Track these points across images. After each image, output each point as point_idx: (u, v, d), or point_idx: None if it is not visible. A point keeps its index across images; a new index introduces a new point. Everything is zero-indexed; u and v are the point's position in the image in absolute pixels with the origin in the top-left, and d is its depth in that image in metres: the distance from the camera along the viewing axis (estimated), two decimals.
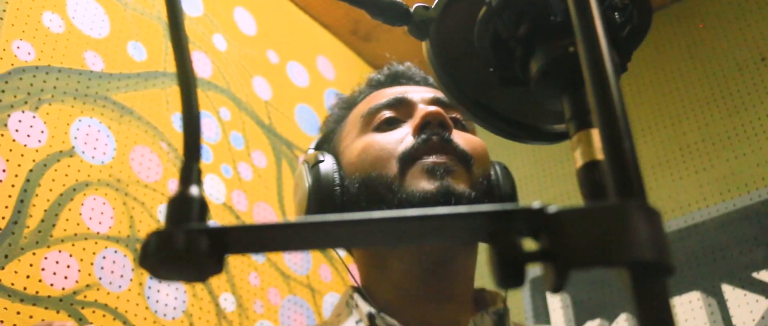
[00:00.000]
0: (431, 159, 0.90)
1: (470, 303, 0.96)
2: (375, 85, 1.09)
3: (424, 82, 1.09)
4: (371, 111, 1.00)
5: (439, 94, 1.02)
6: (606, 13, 0.54)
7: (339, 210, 0.93)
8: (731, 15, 2.57)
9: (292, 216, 2.13)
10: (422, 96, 1.01)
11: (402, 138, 0.94)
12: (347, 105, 1.10)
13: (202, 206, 0.38)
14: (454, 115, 0.99)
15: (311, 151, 1.02)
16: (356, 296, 0.93)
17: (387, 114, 0.99)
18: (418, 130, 0.93)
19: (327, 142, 1.07)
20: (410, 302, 0.91)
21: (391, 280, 0.93)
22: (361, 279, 0.98)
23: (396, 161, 0.91)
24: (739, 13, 2.56)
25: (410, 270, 0.92)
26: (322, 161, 0.97)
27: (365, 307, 0.90)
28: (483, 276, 0.90)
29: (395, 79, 1.09)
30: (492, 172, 0.96)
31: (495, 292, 0.98)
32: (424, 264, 0.91)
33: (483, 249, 0.98)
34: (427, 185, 0.88)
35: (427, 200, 0.86)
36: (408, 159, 0.91)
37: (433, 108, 0.95)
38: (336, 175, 0.95)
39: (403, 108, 1.00)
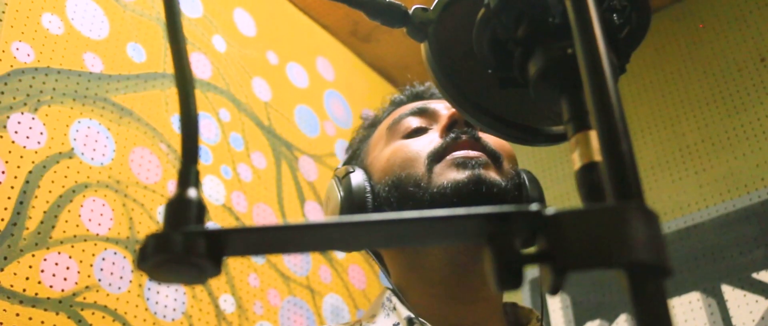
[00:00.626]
0: (462, 153, 0.91)
1: (501, 308, 0.97)
2: (398, 103, 1.11)
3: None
4: (396, 120, 1.02)
5: None
6: (604, 14, 0.54)
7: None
8: (731, 16, 2.57)
9: (292, 217, 2.13)
10: (445, 105, 1.03)
11: (430, 141, 0.96)
12: (371, 124, 1.12)
13: (200, 208, 0.38)
14: None
15: (340, 168, 1.03)
16: (394, 298, 0.94)
17: (413, 123, 1.00)
18: (446, 130, 0.95)
19: (354, 160, 1.09)
20: (443, 303, 0.92)
21: (424, 281, 0.94)
22: (395, 279, 0.99)
23: (424, 159, 0.92)
24: (739, 14, 2.56)
25: (443, 271, 0.93)
26: (353, 172, 0.98)
27: (404, 311, 0.90)
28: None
29: (417, 96, 1.11)
30: (521, 174, 0.97)
31: (528, 309, 0.99)
32: (457, 264, 0.92)
33: None
34: (457, 175, 0.88)
35: (459, 190, 0.87)
36: (437, 156, 0.92)
37: None
38: (366, 184, 0.96)
39: (427, 116, 1.01)
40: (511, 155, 0.97)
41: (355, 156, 1.09)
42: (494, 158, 0.93)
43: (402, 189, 0.91)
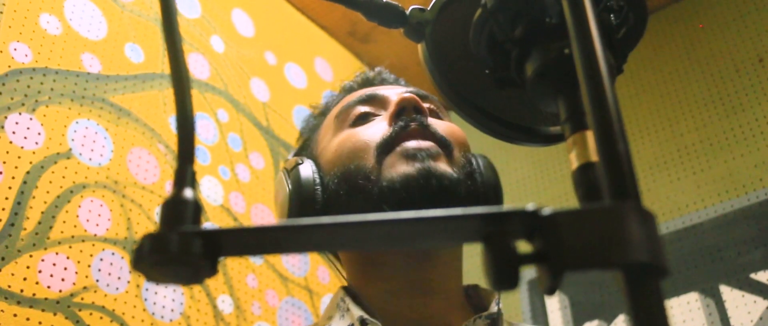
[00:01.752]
0: (411, 143, 0.88)
1: (460, 297, 0.94)
2: (347, 90, 1.08)
3: (397, 83, 1.08)
4: (344, 108, 0.99)
5: (412, 88, 1.01)
6: (601, 15, 0.54)
7: (321, 209, 0.91)
8: (729, 16, 2.58)
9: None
10: (395, 90, 1.00)
11: (378, 129, 0.93)
12: (321, 113, 1.09)
13: (196, 208, 0.38)
14: (428, 105, 0.98)
15: (290, 159, 1.00)
16: (347, 298, 0.92)
17: (360, 109, 0.97)
18: (394, 118, 0.92)
19: (304, 150, 1.06)
20: (399, 298, 0.90)
21: (379, 276, 0.92)
22: (351, 277, 0.97)
23: (373, 150, 0.89)
24: (737, 15, 2.56)
25: (397, 264, 0.90)
26: (301, 164, 0.95)
27: (357, 311, 0.88)
28: (475, 275, 0.90)
29: (367, 82, 1.08)
30: (473, 161, 0.94)
31: (489, 291, 0.97)
32: (410, 256, 0.90)
33: (468, 251, 0.98)
34: (407, 168, 0.86)
35: (408, 184, 0.84)
36: (386, 147, 0.89)
37: (407, 94, 0.93)
38: (315, 175, 0.93)
39: (376, 103, 0.98)
40: (462, 141, 0.94)
41: (305, 146, 1.06)
42: (444, 146, 0.90)
43: (351, 182, 0.89)
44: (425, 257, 0.91)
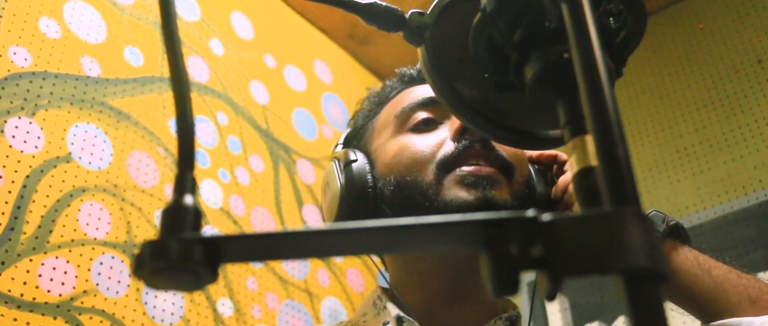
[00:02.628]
0: (473, 168, 0.87)
1: (492, 306, 0.96)
2: (407, 81, 1.04)
3: None
4: (405, 110, 0.96)
5: None
6: (600, 18, 0.54)
7: (371, 212, 0.90)
8: (728, 17, 2.58)
9: (290, 220, 2.13)
10: None
11: (441, 142, 0.91)
12: (379, 100, 1.06)
13: (196, 215, 0.38)
14: None
15: (340, 148, 0.99)
16: (384, 297, 0.93)
17: (423, 115, 0.95)
18: (458, 135, 0.90)
19: (356, 139, 1.03)
20: (436, 305, 0.91)
21: (420, 283, 0.93)
22: (392, 279, 0.97)
23: (434, 167, 0.88)
24: (736, 16, 2.56)
25: (439, 275, 0.92)
26: (355, 160, 0.94)
27: (394, 310, 0.89)
28: None
29: None
30: (531, 179, 0.94)
31: (507, 300, 0.98)
32: (452, 270, 0.91)
33: None
34: (466, 195, 0.85)
35: (467, 210, 0.84)
36: (447, 165, 0.88)
37: None
38: (369, 176, 0.92)
39: (439, 108, 0.95)
40: (522, 161, 0.93)
41: (358, 136, 1.03)
42: (506, 169, 0.89)
43: (407, 194, 0.88)
44: (467, 270, 0.92)
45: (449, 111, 0.65)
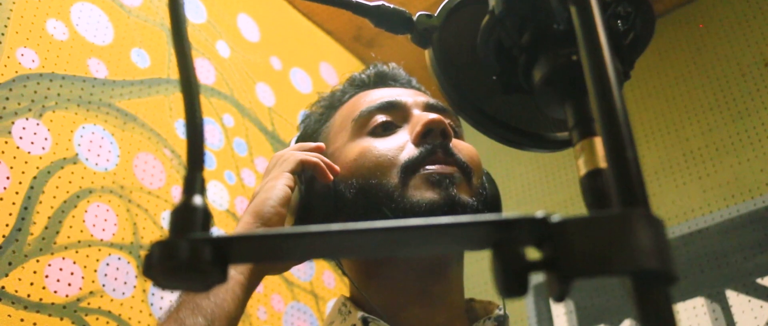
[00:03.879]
0: (436, 168, 0.88)
1: (463, 309, 0.95)
2: (359, 85, 1.06)
3: (409, 84, 1.07)
4: (363, 113, 0.97)
5: (430, 99, 1.01)
6: (609, 21, 0.54)
7: (331, 215, 0.91)
8: (734, 20, 2.57)
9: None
10: (415, 99, 0.99)
11: (402, 145, 0.92)
12: (330, 105, 1.07)
13: (205, 215, 0.38)
14: (449, 121, 0.97)
15: None
16: (349, 303, 0.93)
17: (381, 118, 0.96)
18: (420, 138, 0.91)
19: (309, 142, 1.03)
20: (403, 307, 0.91)
21: (386, 285, 0.92)
22: (354, 287, 0.96)
23: (398, 170, 0.89)
24: (743, 18, 2.56)
25: (405, 276, 0.91)
26: None
27: (358, 312, 0.89)
28: (476, 285, 0.90)
29: (381, 79, 1.07)
30: (484, 182, 0.96)
31: (486, 301, 0.98)
32: (419, 269, 0.91)
33: (470, 257, 0.98)
34: (432, 194, 0.86)
35: (433, 209, 0.85)
36: (411, 168, 0.89)
37: (434, 116, 0.93)
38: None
39: (397, 112, 0.97)
40: (478, 164, 0.95)
41: (312, 140, 1.03)
42: (466, 172, 0.91)
43: (371, 197, 0.89)
44: (433, 270, 0.92)
45: (456, 112, 0.65)
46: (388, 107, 0.97)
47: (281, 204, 0.85)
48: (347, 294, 0.98)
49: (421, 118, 0.94)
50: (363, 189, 0.90)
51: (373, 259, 0.93)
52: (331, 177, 0.91)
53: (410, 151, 0.91)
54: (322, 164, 0.90)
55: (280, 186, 0.87)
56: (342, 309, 0.94)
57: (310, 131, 1.07)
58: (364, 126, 0.97)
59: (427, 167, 0.89)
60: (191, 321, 0.75)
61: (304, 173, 0.92)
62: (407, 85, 1.07)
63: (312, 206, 0.90)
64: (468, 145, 0.98)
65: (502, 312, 0.93)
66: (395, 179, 0.89)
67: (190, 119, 0.39)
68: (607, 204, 0.40)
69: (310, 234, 0.36)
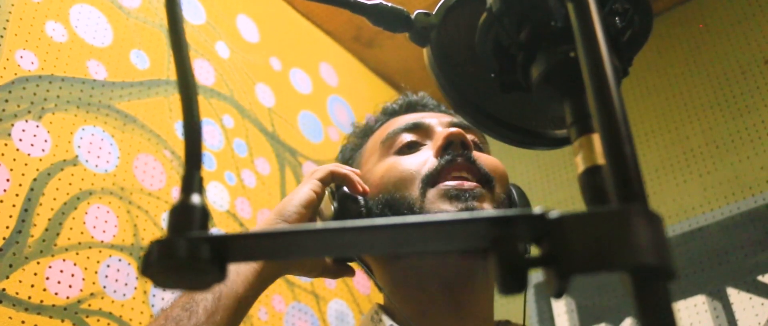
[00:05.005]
0: (456, 183, 0.91)
1: (492, 322, 0.97)
2: (390, 114, 1.11)
3: (438, 109, 1.11)
4: (390, 135, 1.02)
5: (456, 118, 1.03)
6: (606, 18, 0.54)
7: None
8: (734, 18, 2.57)
9: None
10: (439, 119, 1.03)
11: (424, 160, 0.95)
12: (363, 133, 1.12)
13: (203, 214, 0.38)
14: (471, 137, 0.99)
15: None
16: (381, 313, 0.95)
17: (407, 138, 1.00)
18: (441, 151, 0.94)
19: None
20: (431, 316, 0.92)
21: (414, 295, 0.94)
22: (387, 296, 0.99)
23: (419, 182, 0.92)
24: (742, 16, 2.55)
25: (431, 284, 0.93)
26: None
27: (388, 321, 0.91)
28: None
29: (410, 106, 1.11)
30: (511, 194, 0.98)
31: (508, 320, 1.00)
32: (444, 281, 0.93)
33: None
34: (449, 207, 0.88)
35: None
36: (431, 180, 0.92)
37: (454, 129, 0.96)
38: (360, 198, 0.95)
39: (421, 131, 1.01)
40: (503, 175, 0.97)
41: (348, 165, 1.08)
42: (487, 182, 0.93)
43: (395, 210, 0.92)
44: (459, 281, 0.93)
45: (455, 111, 0.65)
46: (414, 128, 1.02)
47: (303, 206, 0.90)
48: (381, 302, 1.01)
49: (442, 132, 0.98)
50: (388, 204, 0.93)
51: (403, 269, 0.96)
52: (362, 187, 0.95)
53: (431, 164, 0.94)
54: (352, 175, 0.95)
55: (306, 189, 0.92)
56: (374, 318, 0.97)
57: (345, 159, 1.13)
58: (391, 147, 1.01)
59: (447, 182, 0.91)
60: (201, 296, 0.80)
61: (338, 191, 0.97)
62: (436, 109, 1.11)
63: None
64: (492, 157, 1.00)
65: None
66: (416, 192, 0.92)
67: (187, 118, 0.39)
68: (605, 200, 0.40)
69: (307, 232, 0.36)
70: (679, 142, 2.48)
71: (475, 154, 0.96)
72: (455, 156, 0.93)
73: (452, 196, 0.89)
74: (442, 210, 0.88)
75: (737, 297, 2.11)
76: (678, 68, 2.61)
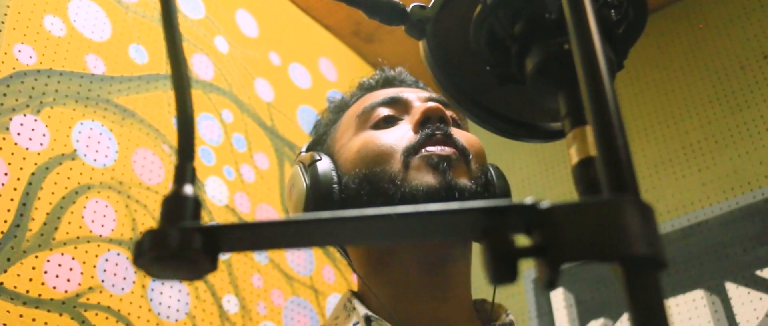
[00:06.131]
0: (435, 149, 0.90)
1: (469, 308, 0.96)
2: (367, 88, 1.09)
3: (416, 85, 1.09)
4: (366, 109, 1.00)
5: (434, 94, 1.02)
6: (601, 10, 0.54)
7: (338, 206, 0.92)
8: (733, 13, 2.57)
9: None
10: (418, 95, 1.01)
11: (403, 134, 0.94)
12: (338, 109, 1.09)
13: (196, 205, 0.38)
14: (450, 113, 0.99)
15: (304, 153, 1.01)
16: (354, 299, 0.93)
17: (384, 112, 0.98)
18: (420, 126, 0.93)
19: (319, 145, 1.06)
20: (408, 302, 0.91)
21: (390, 281, 0.92)
22: (360, 281, 0.98)
23: (400, 155, 0.91)
24: (742, 11, 2.55)
25: (408, 271, 0.92)
26: (319, 160, 0.96)
27: (362, 309, 0.90)
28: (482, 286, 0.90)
29: (388, 82, 1.09)
30: (488, 171, 0.97)
31: (498, 304, 0.98)
32: (422, 264, 0.91)
33: (477, 252, 0.99)
34: (430, 179, 0.88)
35: (430, 195, 0.87)
36: (412, 152, 0.91)
37: (432, 104, 0.95)
38: (333, 173, 0.94)
39: (399, 106, 1.00)
40: (479, 152, 0.96)
41: (321, 141, 1.07)
42: (464, 156, 0.92)
43: (374, 184, 0.90)
44: (438, 263, 0.92)
45: (451, 103, 0.65)
46: (391, 102, 1.00)
47: None
48: (355, 288, 0.99)
49: (420, 107, 0.96)
50: (367, 178, 0.92)
51: (379, 253, 0.94)
52: None
53: (410, 138, 0.93)
54: None
55: None
56: (347, 305, 0.95)
57: (319, 134, 1.10)
58: (367, 121, 0.99)
59: (428, 148, 0.90)
60: None
61: (310, 166, 0.95)
62: (414, 85, 1.09)
63: (318, 198, 0.92)
64: (470, 134, 0.99)
65: (508, 319, 0.94)
66: (398, 165, 0.90)
67: (180, 109, 0.39)
68: (598, 191, 0.40)
69: (298, 222, 0.36)
70: (678, 136, 2.48)
71: (453, 129, 0.95)
72: (434, 130, 0.92)
73: (433, 164, 0.88)
74: (426, 183, 0.87)
75: (736, 291, 2.11)
76: (677, 63, 2.61)
